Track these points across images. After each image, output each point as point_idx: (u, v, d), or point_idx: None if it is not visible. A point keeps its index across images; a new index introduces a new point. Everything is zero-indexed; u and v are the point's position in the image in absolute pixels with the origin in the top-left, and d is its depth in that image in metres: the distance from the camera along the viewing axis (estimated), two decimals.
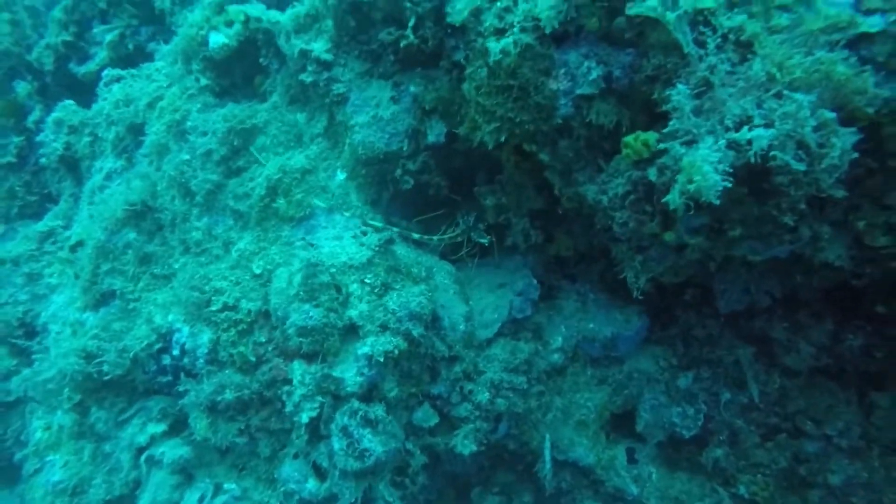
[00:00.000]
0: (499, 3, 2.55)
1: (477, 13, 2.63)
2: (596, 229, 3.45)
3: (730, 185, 2.17)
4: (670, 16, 2.18)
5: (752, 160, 2.12)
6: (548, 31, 2.47)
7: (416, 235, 3.50)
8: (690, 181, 2.19)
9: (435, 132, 3.35)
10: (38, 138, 4.94)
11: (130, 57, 5.05)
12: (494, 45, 2.52)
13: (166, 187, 3.68)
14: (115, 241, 3.67)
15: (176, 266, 3.65)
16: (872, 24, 2.15)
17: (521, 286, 3.85)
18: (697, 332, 4.02)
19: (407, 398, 3.59)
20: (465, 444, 3.69)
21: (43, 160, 5.30)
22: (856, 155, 2.19)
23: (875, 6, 2.16)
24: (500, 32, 2.52)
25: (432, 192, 3.66)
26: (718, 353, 3.97)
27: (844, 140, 2.13)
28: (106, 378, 3.61)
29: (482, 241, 3.71)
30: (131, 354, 3.55)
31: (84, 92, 5.25)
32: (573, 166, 3.03)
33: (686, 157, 2.21)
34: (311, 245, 3.35)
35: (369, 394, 3.35)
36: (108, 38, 4.95)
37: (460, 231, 3.74)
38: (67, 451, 5.03)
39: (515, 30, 2.46)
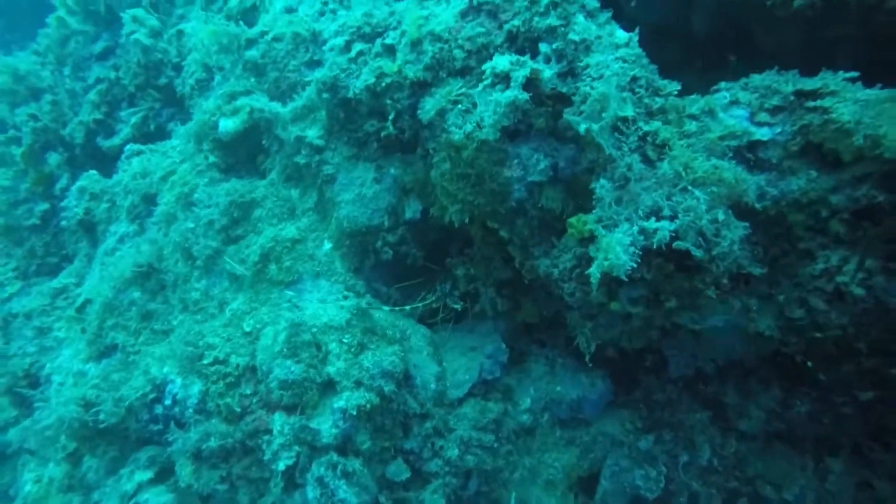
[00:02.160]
0: (460, 106, 3.03)
1: (441, 113, 3.11)
2: (556, 299, 3.82)
3: (632, 265, 2.53)
4: (594, 126, 2.63)
5: (654, 246, 2.49)
6: (491, 138, 2.91)
7: (385, 308, 3.85)
8: (606, 259, 2.56)
9: (412, 209, 3.78)
10: (62, 203, 5.45)
11: (151, 135, 5.64)
12: (455, 139, 2.98)
13: (171, 251, 4.10)
14: (121, 298, 4.06)
15: (174, 322, 4.01)
16: (762, 134, 2.59)
17: (490, 350, 4.16)
18: (658, 397, 4.27)
19: (380, 452, 3.82)
20: (434, 498, 3.89)
21: (63, 223, 5.80)
22: (739, 247, 2.55)
23: (764, 120, 2.60)
24: (458, 129, 2.98)
25: (410, 262, 4.05)
26: (679, 416, 4.21)
27: (734, 232, 2.51)
28: (101, 426, 3.89)
29: (455, 306, 4.05)
30: (126, 403, 3.84)
31: (107, 163, 5.82)
32: (529, 242, 3.42)
33: (605, 239, 2.60)
34: (297, 307, 3.72)
35: (344, 445, 3.61)
36: (134, 119, 5.55)
37: (435, 298, 4.10)
38: None
39: (471, 128, 2.92)
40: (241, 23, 4.25)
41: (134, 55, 5.48)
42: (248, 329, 3.77)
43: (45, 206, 5.98)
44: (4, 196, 6.02)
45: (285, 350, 3.54)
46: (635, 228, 2.57)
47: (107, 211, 5.09)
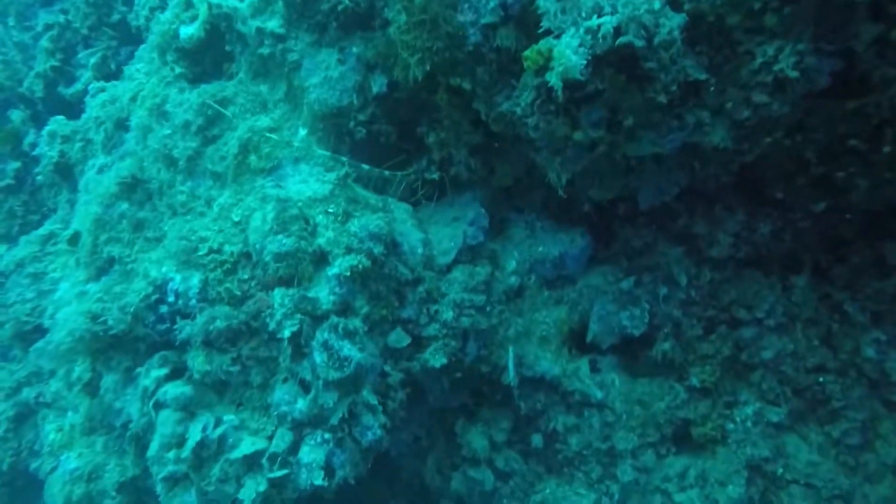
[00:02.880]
0: None
1: None
2: (526, 151, 4.02)
3: (583, 62, 2.72)
4: None
5: (601, 42, 2.68)
6: None
7: (365, 167, 4.02)
8: (560, 65, 2.75)
9: (378, 83, 3.93)
10: (35, 152, 5.49)
11: (113, 75, 5.66)
12: None
13: (152, 161, 4.21)
14: (110, 213, 4.17)
15: (166, 228, 4.15)
16: None
17: (471, 216, 4.37)
18: (635, 243, 4.54)
19: (380, 321, 4.04)
20: (436, 357, 4.14)
21: (39, 178, 5.85)
22: (679, 35, 2.75)
23: None
24: None
25: (384, 141, 4.21)
26: (656, 258, 4.48)
27: (672, 20, 2.71)
28: (111, 333, 4.04)
29: (433, 176, 4.24)
30: (132, 309, 4.00)
31: (72, 112, 5.84)
32: (492, 90, 3.60)
33: (556, 48, 2.78)
34: (281, 189, 3.87)
35: (343, 311, 3.81)
36: (93, 60, 5.57)
37: (413, 171, 4.28)
38: (81, 446, 5.44)
39: None
40: None
41: None
42: (237, 219, 3.93)
43: (16, 164, 6.01)
44: None
45: (275, 227, 3.71)
46: (581, 30, 2.75)
47: (81, 150, 5.15)
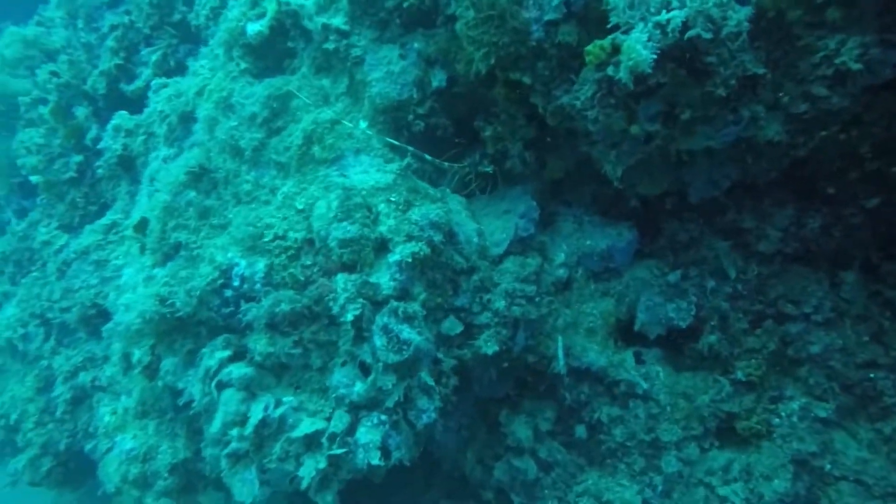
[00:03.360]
0: None
1: None
2: (579, 146, 4.13)
3: (653, 57, 2.83)
4: None
5: (671, 36, 2.79)
6: None
7: (427, 157, 4.17)
8: (630, 59, 2.87)
9: (438, 78, 4.08)
10: (99, 146, 5.76)
11: (172, 72, 5.91)
12: None
13: (219, 151, 4.42)
14: (178, 200, 4.38)
15: (230, 216, 4.34)
16: None
17: (522, 209, 4.49)
18: (681, 237, 4.61)
19: (434, 309, 4.18)
20: (488, 345, 4.26)
21: (100, 171, 6.12)
22: (747, 26, 2.85)
23: None
24: None
25: (440, 134, 4.36)
26: (702, 252, 4.55)
27: (739, 13, 2.81)
28: (178, 315, 4.24)
29: (487, 169, 4.38)
30: (198, 293, 4.19)
31: (132, 108, 6.11)
32: (551, 85, 3.73)
33: (625, 43, 2.90)
34: (344, 178, 4.04)
35: (402, 298, 3.96)
36: (154, 57, 5.83)
37: (467, 164, 4.42)
38: (134, 428, 5.67)
39: None
40: None
41: None
42: (300, 207, 4.10)
43: (79, 158, 6.29)
44: (40, 154, 6.33)
45: (339, 214, 3.88)
46: (650, 24, 2.87)
47: (143, 143, 5.39)
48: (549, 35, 3.51)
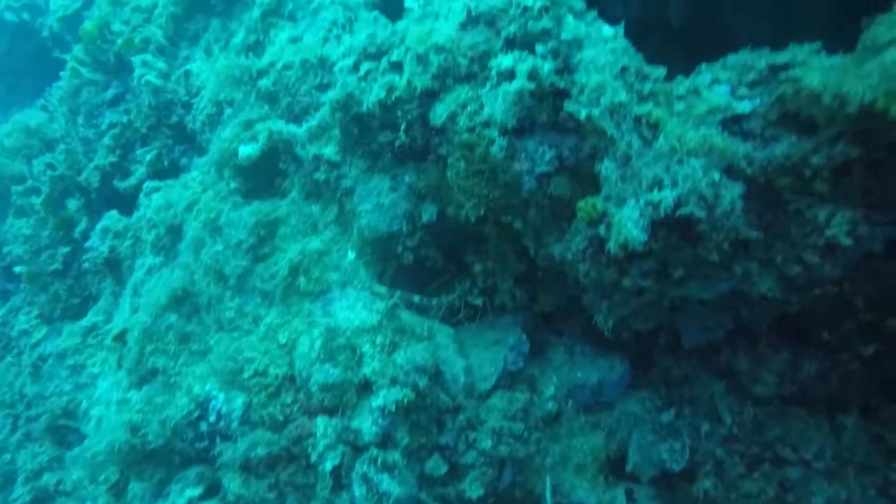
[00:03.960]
0: (469, 108, 3.31)
1: (453, 117, 3.38)
2: (570, 284, 4.06)
3: (645, 238, 2.78)
4: (595, 112, 2.90)
5: (663, 214, 2.75)
6: (509, 124, 3.20)
7: (416, 298, 4.08)
8: (620, 234, 2.81)
9: (428, 212, 4.03)
10: (86, 244, 5.68)
11: (165, 171, 5.90)
12: (468, 139, 3.26)
13: (203, 274, 4.32)
14: (158, 323, 4.26)
15: (211, 342, 4.21)
16: (743, 106, 2.88)
17: (512, 342, 4.37)
18: (675, 373, 4.48)
19: (418, 449, 4.00)
20: (473, 487, 4.06)
21: (86, 265, 6.02)
22: (740, 204, 2.82)
23: (744, 94, 2.89)
24: (470, 130, 3.26)
25: (429, 265, 4.28)
26: (696, 390, 4.41)
27: (732, 190, 2.77)
28: (150, 448, 4.05)
29: (476, 302, 4.28)
30: (172, 424, 4.01)
31: (123, 204, 6.07)
32: (542, 232, 3.67)
33: (616, 216, 2.85)
34: (329, 314, 3.93)
35: (384, 443, 3.78)
36: (148, 157, 5.83)
37: (456, 296, 4.32)
38: None
39: (481, 127, 3.20)
40: (251, 56, 4.56)
41: (145, 97, 5.77)
42: (283, 341, 3.98)
43: (66, 249, 6.20)
44: (27, 245, 6.25)
45: (322, 355, 3.75)
46: (642, 202, 2.82)
47: (131, 247, 5.31)
48: (542, 186, 3.47)
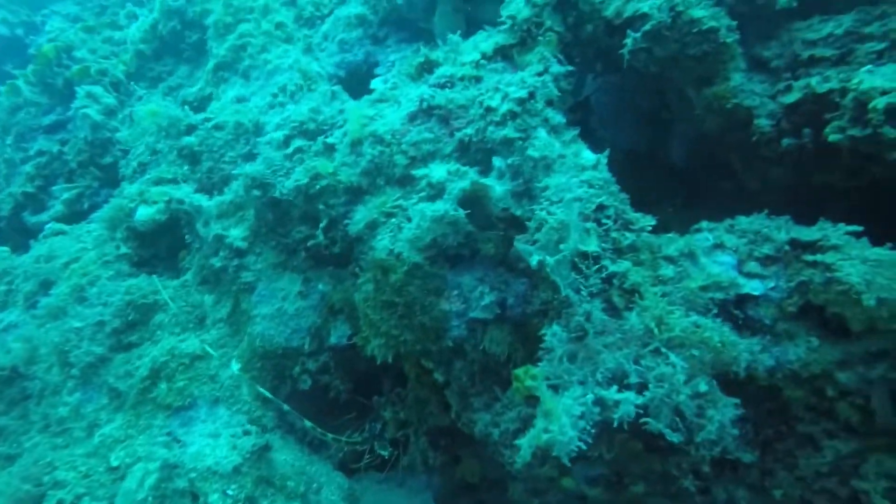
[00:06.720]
0: (393, 220, 2.53)
1: (372, 226, 2.62)
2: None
3: (585, 447, 1.90)
4: (549, 260, 2.11)
5: (615, 424, 1.88)
6: (414, 259, 2.41)
7: (308, 424, 3.14)
8: (546, 430, 1.94)
9: (338, 333, 3.18)
10: None
11: (83, 213, 5.10)
12: (381, 259, 2.45)
13: (47, 353, 3.40)
14: None
15: (27, 445, 3.22)
16: (753, 287, 2.08)
17: None
18: None
19: None
20: None
21: None
22: (736, 432, 1.96)
23: (755, 271, 2.11)
24: (389, 250, 2.46)
25: (333, 395, 3.37)
26: None
27: (724, 412, 1.92)
28: None
29: (383, 452, 3.33)
30: None
31: (31, 239, 5.23)
32: (469, 391, 2.79)
33: (548, 403, 1.99)
34: (178, 441, 2.97)
35: None
36: (66, 195, 5.07)
37: (362, 438, 3.37)
38: None
39: (404, 247, 2.40)
40: (186, 108, 3.89)
41: (82, 131, 5.11)
42: (115, 463, 3.00)
43: None
44: None
45: (150, 499, 2.75)
46: (590, 396, 1.97)
47: (4, 294, 4.41)
48: (474, 335, 2.63)
